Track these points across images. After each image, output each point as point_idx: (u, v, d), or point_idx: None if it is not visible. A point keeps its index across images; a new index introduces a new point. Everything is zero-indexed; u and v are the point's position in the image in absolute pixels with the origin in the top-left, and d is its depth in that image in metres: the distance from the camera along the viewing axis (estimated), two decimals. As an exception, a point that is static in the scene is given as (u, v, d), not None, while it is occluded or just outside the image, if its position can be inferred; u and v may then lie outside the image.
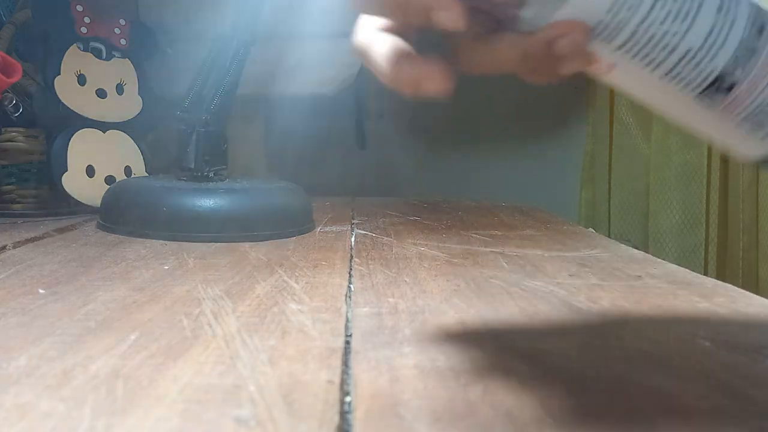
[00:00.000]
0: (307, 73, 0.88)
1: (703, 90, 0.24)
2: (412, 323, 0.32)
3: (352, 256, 0.50)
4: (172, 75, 0.89)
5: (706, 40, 0.24)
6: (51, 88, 0.72)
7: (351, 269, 0.45)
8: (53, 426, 0.20)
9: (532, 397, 0.23)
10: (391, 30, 0.30)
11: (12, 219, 0.67)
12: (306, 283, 0.40)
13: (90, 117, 0.75)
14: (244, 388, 0.23)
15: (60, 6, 0.73)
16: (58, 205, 0.73)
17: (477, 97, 1.35)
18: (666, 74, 0.24)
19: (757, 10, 0.24)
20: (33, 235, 0.56)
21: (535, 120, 1.34)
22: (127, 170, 0.78)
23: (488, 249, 0.53)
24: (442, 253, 0.51)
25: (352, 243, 0.56)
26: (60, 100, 0.73)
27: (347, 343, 0.29)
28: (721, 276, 1.20)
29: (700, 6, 0.23)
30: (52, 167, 0.71)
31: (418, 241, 0.57)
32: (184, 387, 0.23)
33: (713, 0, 0.23)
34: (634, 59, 0.24)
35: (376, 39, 0.29)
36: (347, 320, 0.32)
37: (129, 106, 0.80)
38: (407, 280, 0.42)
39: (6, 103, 0.70)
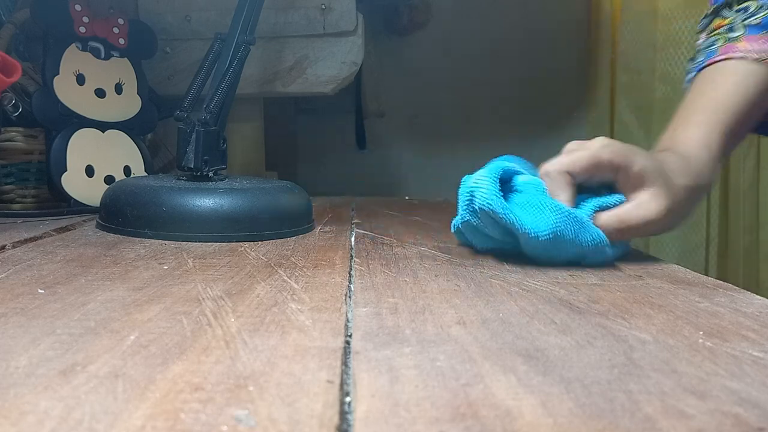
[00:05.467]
0: (307, 73, 0.88)
1: None
2: (412, 323, 0.32)
3: (352, 256, 0.50)
4: (172, 75, 0.90)
5: None
6: (50, 87, 0.72)
7: (351, 269, 0.45)
8: (53, 426, 0.20)
9: (532, 397, 0.23)
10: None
11: (11, 219, 0.67)
12: (306, 283, 0.40)
13: (89, 116, 0.75)
14: (244, 388, 0.23)
15: (59, 6, 0.73)
16: (58, 205, 0.73)
17: (477, 98, 1.35)
18: None
19: None
20: (32, 235, 0.56)
21: (535, 120, 1.34)
22: (127, 170, 0.78)
23: (488, 249, 0.53)
24: (442, 253, 0.51)
25: (352, 243, 0.56)
26: (59, 100, 0.73)
27: (347, 343, 0.29)
28: (722, 275, 1.20)
29: None
30: (51, 167, 0.71)
31: (418, 241, 0.57)
32: (184, 387, 0.23)
33: None
34: None
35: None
36: (347, 320, 0.32)
37: (128, 105, 0.80)
38: (407, 280, 0.41)
39: (5, 102, 0.71)
